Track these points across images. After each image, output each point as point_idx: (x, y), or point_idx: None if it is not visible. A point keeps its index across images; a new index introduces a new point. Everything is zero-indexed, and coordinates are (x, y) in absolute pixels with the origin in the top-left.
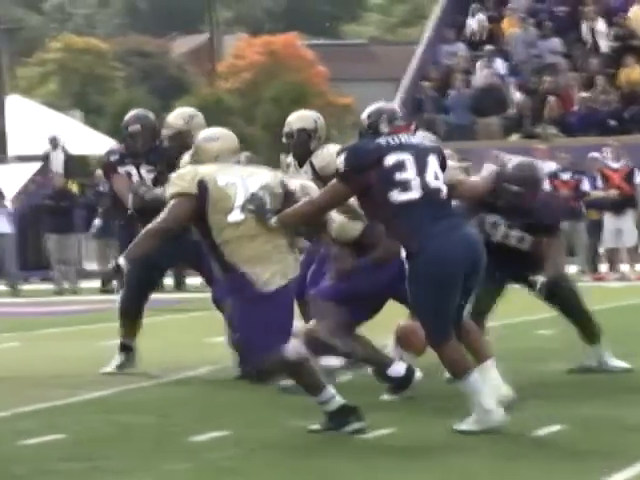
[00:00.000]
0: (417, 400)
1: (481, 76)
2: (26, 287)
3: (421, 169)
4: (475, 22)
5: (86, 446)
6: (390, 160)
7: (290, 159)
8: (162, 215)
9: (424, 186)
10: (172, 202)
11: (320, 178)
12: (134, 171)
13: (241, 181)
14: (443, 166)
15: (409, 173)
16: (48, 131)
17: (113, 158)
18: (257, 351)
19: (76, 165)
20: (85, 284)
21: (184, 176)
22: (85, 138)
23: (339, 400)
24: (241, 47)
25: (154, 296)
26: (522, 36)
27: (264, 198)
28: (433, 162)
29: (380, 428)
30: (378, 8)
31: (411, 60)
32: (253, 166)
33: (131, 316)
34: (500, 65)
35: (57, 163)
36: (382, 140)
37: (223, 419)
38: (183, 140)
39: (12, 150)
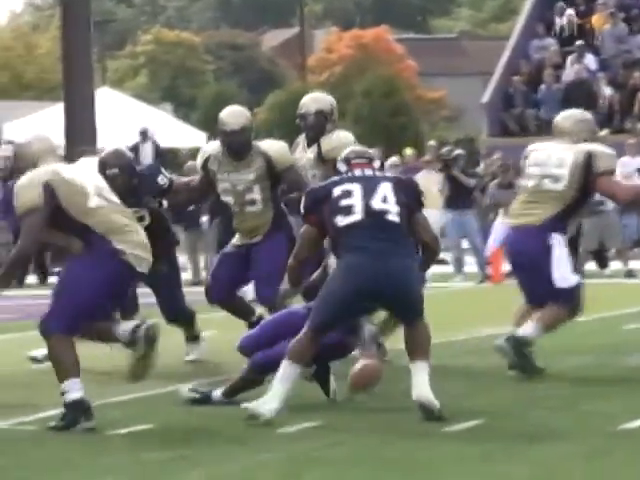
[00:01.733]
0: (501, 394)
1: (571, 71)
2: None
3: (368, 195)
4: (565, 18)
5: (174, 436)
6: (337, 191)
7: (301, 139)
8: (20, 242)
9: (367, 209)
10: (25, 222)
11: (323, 161)
12: None
13: (81, 171)
14: (411, 194)
15: (354, 199)
16: (138, 124)
17: None
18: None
19: (166, 158)
20: None
21: (26, 189)
22: (175, 131)
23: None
24: (331, 41)
25: None
26: (612, 31)
27: None
28: (384, 189)
29: (466, 420)
30: (469, 3)
31: (501, 55)
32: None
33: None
34: (590, 60)
35: (145, 155)
36: (336, 177)
37: (312, 410)
38: None
39: (102, 142)
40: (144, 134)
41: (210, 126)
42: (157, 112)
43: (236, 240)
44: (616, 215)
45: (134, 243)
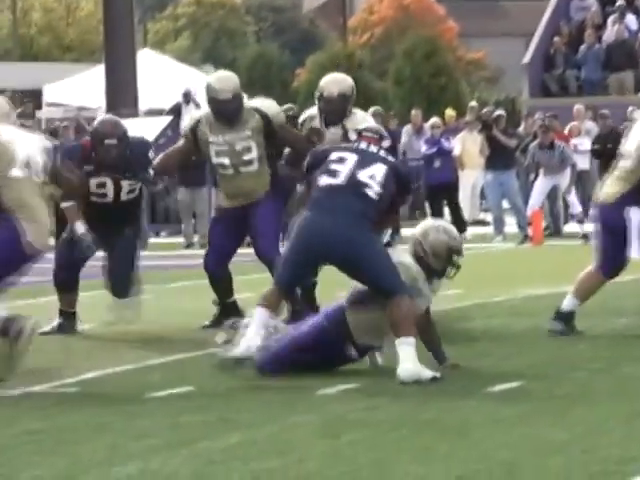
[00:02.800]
0: (540, 356)
1: (612, 31)
2: (156, 241)
3: (359, 166)
4: None
5: (214, 399)
6: (334, 156)
7: (311, 114)
8: None
9: (351, 177)
10: None
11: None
12: None
13: (22, 140)
14: (400, 180)
15: (344, 167)
16: (179, 86)
17: None
18: None
19: None
20: None
21: None
22: None
23: None
24: (372, 2)
25: None
26: None
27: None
28: (378, 168)
29: (504, 382)
30: None
31: (542, 15)
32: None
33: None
34: (631, 20)
35: (188, 118)
36: (342, 144)
37: (350, 373)
38: None
39: (143, 104)
40: (187, 96)
41: (251, 88)
42: (198, 74)
43: (226, 203)
44: None
45: (37, 224)
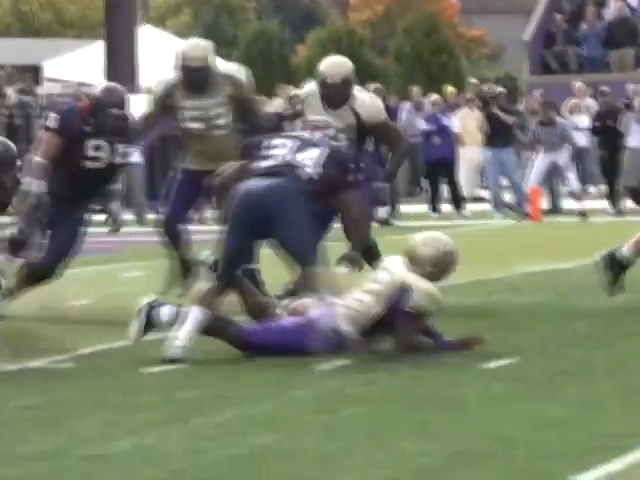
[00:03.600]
0: (537, 332)
1: (613, 8)
2: (154, 217)
3: (295, 151)
4: None
5: (209, 375)
6: (274, 141)
7: (308, 91)
8: None
9: (285, 161)
10: None
11: (362, 124)
12: None
13: None
14: (343, 169)
15: (281, 151)
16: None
17: None
18: None
19: None
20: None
21: None
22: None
23: None
24: None
25: None
26: None
27: None
28: (316, 152)
29: (501, 358)
30: None
31: None
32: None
33: None
34: None
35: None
36: (285, 133)
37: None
38: None
39: (143, 80)
40: None
41: (251, 64)
42: None
43: (193, 166)
44: None
45: None
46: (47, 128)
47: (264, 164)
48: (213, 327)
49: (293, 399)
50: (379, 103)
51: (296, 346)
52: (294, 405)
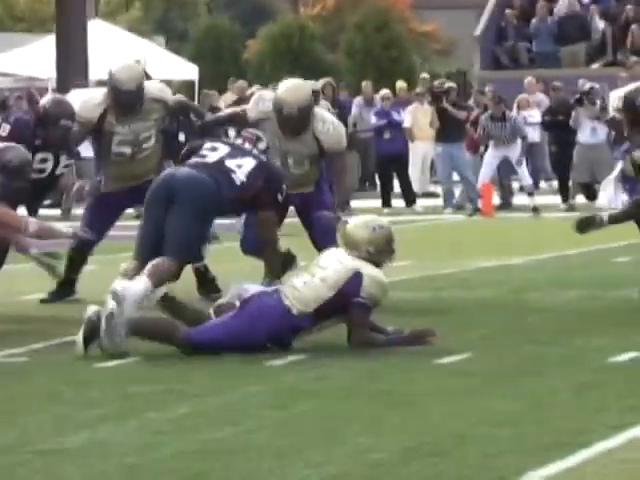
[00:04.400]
0: (490, 328)
1: (564, 4)
2: None
3: (228, 156)
4: None
5: (162, 370)
6: (209, 145)
7: (265, 112)
8: None
9: (218, 162)
10: None
11: (325, 154)
12: None
13: None
14: (270, 177)
15: (215, 153)
16: (130, 56)
17: None
18: None
19: None
20: None
21: None
22: (168, 64)
23: None
24: None
25: None
26: None
27: None
28: (247, 161)
29: (454, 354)
30: None
31: None
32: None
33: None
34: None
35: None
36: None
37: (299, 344)
38: None
39: (94, 75)
40: None
41: (202, 59)
42: (149, 45)
43: (110, 187)
44: (607, 148)
45: None
46: None
47: (196, 160)
48: (153, 329)
49: (246, 394)
50: (342, 131)
51: (241, 334)
52: (247, 400)
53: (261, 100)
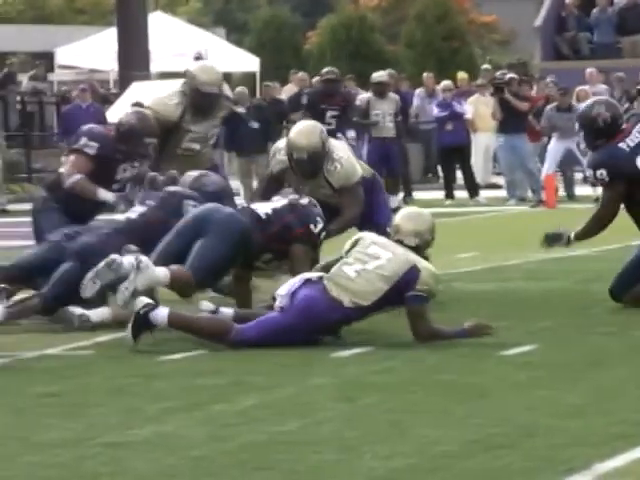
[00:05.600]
0: (556, 319)
1: None
2: None
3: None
4: None
5: (228, 362)
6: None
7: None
8: None
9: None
10: None
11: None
12: None
13: None
14: (297, 213)
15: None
16: (191, 48)
17: None
18: None
19: None
20: None
21: None
22: (229, 55)
23: None
24: None
25: None
26: None
27: None
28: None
29: (520, 345)
30: None
31: None
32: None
33: None
34: None
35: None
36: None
37: (364, 335)
38: None
39: (155, 67)
40: (198, 59)
41: (262, 51)
42: (210, 36)
43: None
44: None
45: None
46: (80, 152)
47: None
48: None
49: (313, 386)
50: (351, 165)
51: (292, 330)
52: (314, 392)
53: (277, 151)
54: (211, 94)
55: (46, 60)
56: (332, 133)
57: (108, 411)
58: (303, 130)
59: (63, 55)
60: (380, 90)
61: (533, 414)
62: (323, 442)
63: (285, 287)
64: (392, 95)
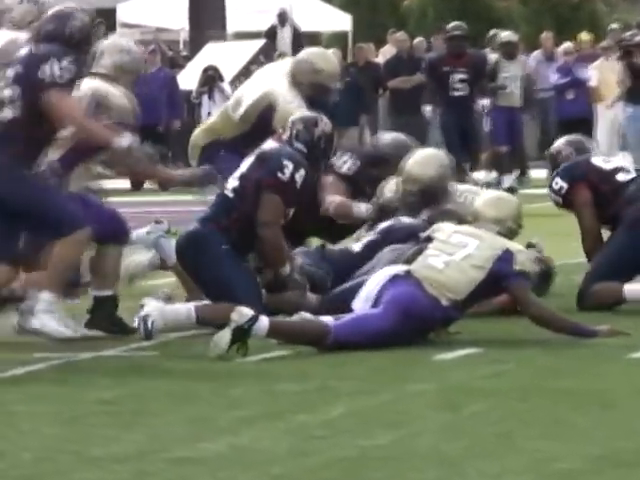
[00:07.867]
0: None
1: None
2: None
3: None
4: None
5: (313, 365)
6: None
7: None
8: None
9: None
10: None
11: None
12: None
13: None
14: (267, 169)
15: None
16: (274, 6)
17: None
18: None
19: (306, 43)
20: None
21: None
22: (317, 13)
23: None
24: None
25: None
26: None
27: None
28: (246, 163)
29: None
30: None
31: None
32: None
33: None
34: None
35: (284, 42)
36: None
37: (471, 336)
38: None
39: (232, 26)
40: (282, 16)
41: (355, 8)
42: None
43: None
44: None
45: None
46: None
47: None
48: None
49: (410, 392)
50: None
51: (390, 334)
52: (411, 399)
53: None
54: (333, 90)
55: (106, 18)
56: (463, 100)
57: (174, 421)
58: (422, 162)
59: (126, 12)
60: (509, 51)
61: None
62: (421, 457)
63: (363, 292)
64: (522, 57)
